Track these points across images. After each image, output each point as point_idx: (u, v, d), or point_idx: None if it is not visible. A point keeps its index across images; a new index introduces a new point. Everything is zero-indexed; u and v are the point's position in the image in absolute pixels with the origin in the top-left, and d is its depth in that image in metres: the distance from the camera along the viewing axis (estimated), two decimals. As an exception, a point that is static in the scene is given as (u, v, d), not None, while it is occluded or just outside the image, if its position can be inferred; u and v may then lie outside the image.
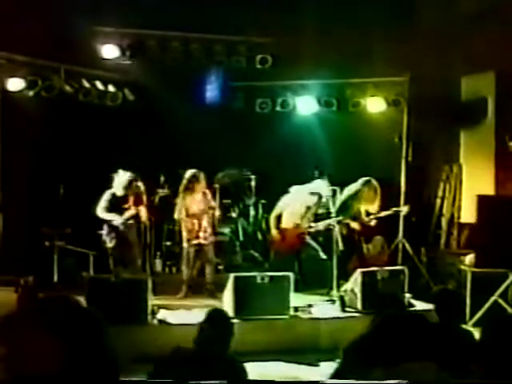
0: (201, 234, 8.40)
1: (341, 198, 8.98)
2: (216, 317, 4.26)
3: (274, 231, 9.05)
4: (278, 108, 10.14)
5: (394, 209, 9.01)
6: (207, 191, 8.65)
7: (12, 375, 1.74)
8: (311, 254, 8.97)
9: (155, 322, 7.27)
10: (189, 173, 8.53)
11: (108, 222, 8.36)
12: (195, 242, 8.39)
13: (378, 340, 3.04)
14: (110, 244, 8.18)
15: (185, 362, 3.84)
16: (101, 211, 8.33)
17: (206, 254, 8.51)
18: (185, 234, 8.45)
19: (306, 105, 10.04)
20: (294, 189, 8.97)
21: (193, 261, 8.46)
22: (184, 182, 8.50)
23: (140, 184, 8.52)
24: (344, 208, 8.82)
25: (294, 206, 8.92)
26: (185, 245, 8.45)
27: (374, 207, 8.81)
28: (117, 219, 8.32)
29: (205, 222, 8.44)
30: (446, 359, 3.76)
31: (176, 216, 8.60)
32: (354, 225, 8.80)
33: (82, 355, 1.76)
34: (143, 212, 8.42)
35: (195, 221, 8.41)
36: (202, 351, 4.01)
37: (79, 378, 1.73)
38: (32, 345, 1.76)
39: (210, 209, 8.53)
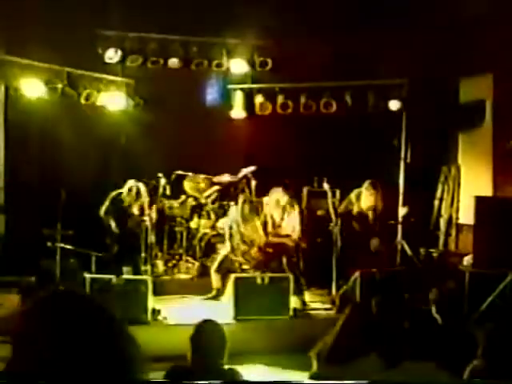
0: None
1: (345, 199, 9.05)
2: (207, 329, 4.14)
3: None
4: (278, 110, 10.14)
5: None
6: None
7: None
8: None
9: (156, 322, 7.33)
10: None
11: (110, 225, 8.42)
12: None
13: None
14: (113, 248, 8.21)
15: (183, 379, 3.76)
16: (104, 213, 8.39)
17: None
18: None
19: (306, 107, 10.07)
20: None
21: None
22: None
23: (142, 187, 8.56)
24: (346, 209, 8.89)
25: None
26: None
27: (377, 207, 8.84)
28: (115, 226, 8.36)
29: None
30: (446, 359, 3.82)
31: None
32: (356, 225, 8.84)
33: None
34: (145, 213, 8.47)
35: None
36: (198, 366, 3.92)
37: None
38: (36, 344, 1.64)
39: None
